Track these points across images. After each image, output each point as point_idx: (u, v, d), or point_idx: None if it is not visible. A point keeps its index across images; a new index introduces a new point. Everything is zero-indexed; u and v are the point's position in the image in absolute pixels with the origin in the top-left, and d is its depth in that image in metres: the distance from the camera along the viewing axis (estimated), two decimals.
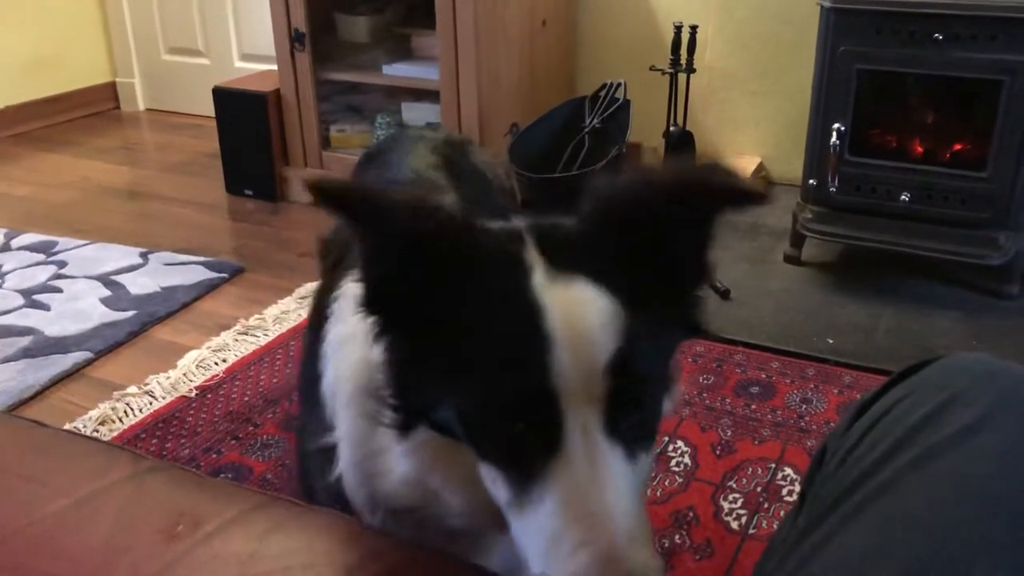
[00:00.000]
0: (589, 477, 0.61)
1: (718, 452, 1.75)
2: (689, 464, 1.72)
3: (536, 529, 0.62)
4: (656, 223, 0.67)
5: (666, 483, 1.66)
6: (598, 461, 0.62)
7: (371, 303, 0.68)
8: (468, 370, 0.64)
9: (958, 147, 2.36)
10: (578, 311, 0.63)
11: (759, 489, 1.65)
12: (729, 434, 1.81)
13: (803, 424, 1.83)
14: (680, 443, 1.78)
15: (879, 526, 0.58)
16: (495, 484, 0.66)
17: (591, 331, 0.63)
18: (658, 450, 1.75)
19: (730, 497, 1.63)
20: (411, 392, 0.69)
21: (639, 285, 0.66)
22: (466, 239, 0.66)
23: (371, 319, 0.68)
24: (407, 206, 0.66)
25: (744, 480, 1.67)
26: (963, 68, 2.17)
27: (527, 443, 0.63)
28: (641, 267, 0.66)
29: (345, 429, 0.82)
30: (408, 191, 0.78)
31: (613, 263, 0.66)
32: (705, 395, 1.94)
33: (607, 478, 0.61)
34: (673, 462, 1.72)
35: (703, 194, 0.68)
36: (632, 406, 0.64)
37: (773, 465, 1.71)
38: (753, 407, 1.89)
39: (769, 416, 1.86)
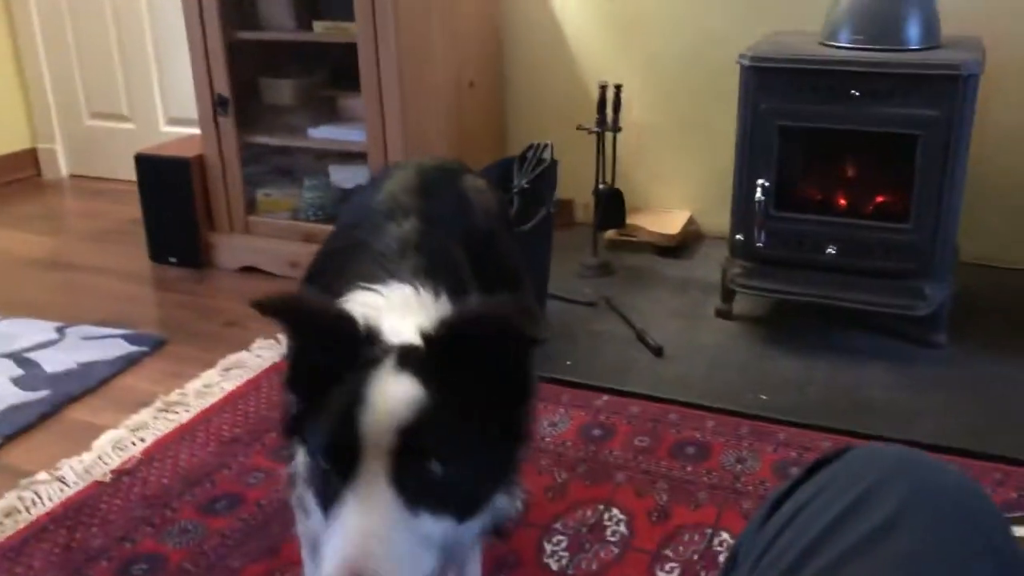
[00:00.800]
0: (358, 506, 0.83)
1: (654, 518, 1.71)
2: (625, 532, 1.68)
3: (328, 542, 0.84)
4: (471, 348, 0.89)
5: (601, 554, 1.62)
6: (372, 498, 0.83)
7: (290, 380, 0.97)
8: (317, 428, 0.90)
9: (880, 200, 2.40)
10: (390, 392, 0.87)
11: (696, 557, 1.61)
12: (665, 499, 1.77)
13: (739, 486, 1.80)
14: (615, 511, 1.74)
15: None
16: (318, 507, 0.91)
17: (393, 405, 0.86)
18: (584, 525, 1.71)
19: (667, 566, 1.58)
20: (303, 438, 0.97)
21: (456, 388, 0.88)
22: (356, 348, 0.92)
23: (287, 389, 0.97)
24: (325, 321, 0.95)
25: (681, 548, 1.63)
26: (880, 123, 2.21)
27: (335, 480, 0.86)
28: (461, 378, 0.89)
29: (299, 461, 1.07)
30: (330, 307, 0.98)
31: (437, 371, 0.89)
32: (641, 458, 1.90)
33: (374, 510, 0.83)
34: (608, 531, 1.68)
35: (495, 330, 0.90)
36: (415, 466, 0.84)
37: (710, 531, 1.68)
38: (689, 469, 1.86)
39: (705, 478, 1.83)
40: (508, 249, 1.55)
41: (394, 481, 0.84)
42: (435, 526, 0.86)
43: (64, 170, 4.14)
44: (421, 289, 1.12)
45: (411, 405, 0.86)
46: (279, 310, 0.94)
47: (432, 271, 1.17)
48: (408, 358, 0.91)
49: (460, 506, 0.88)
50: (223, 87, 2.84)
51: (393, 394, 0.87)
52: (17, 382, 2.25)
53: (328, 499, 0.86)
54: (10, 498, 1.79)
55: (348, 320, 0.94)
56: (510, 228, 1.64)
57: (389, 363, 0.90)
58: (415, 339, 0.94)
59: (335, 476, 0.85)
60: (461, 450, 0.88)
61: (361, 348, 0.92)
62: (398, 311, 1.06)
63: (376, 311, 1.04)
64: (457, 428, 0.87)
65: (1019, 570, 0.60)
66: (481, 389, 0.90)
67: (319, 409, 0.90)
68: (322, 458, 0.88)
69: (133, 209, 3.23)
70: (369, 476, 0.84)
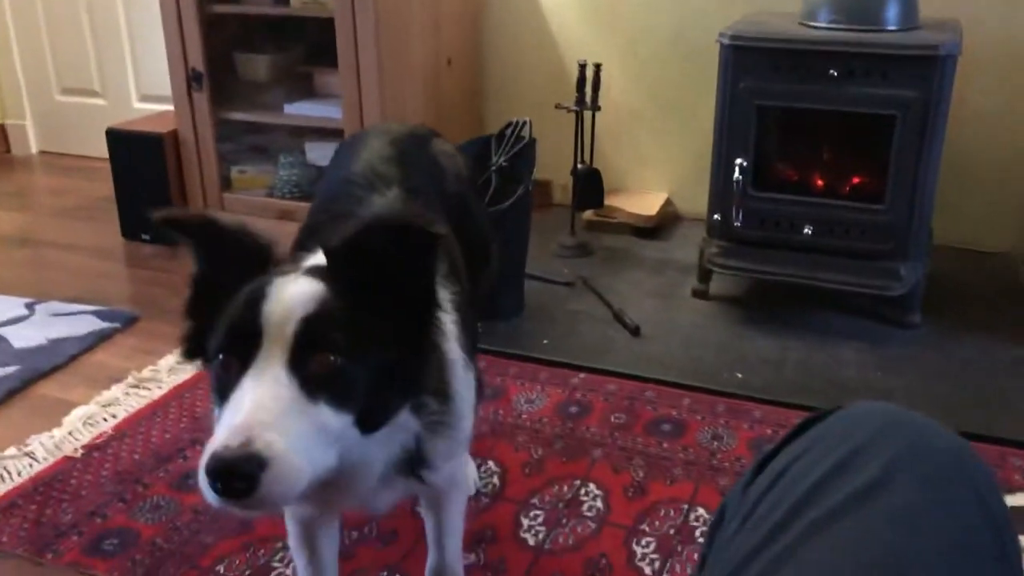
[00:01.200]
0: (254, 384, 0.83)
1: (630, 494, 1.71)
2: (601, 508, 1.68)
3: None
4: (373, 255, 0.91)
5: (578, 529, 1.62)
6: (266, 376, 0.84)
7: (191, 304, 0.97)
8: (218, 324, 0.90)
9: (856, 180, 2.40)
10: (293, 288, 0.89)
11: (672, 531, 1.61)
12: (641, 475, 1.77)
13: (714, 462, 1.81)
14: (592, 486, 1.73)
15: None
16: (216, 396, 0.89)
17: (295, 297, 0.88)
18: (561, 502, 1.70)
19: (643, 541, 1.59)
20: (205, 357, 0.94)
21: (359, 293, 0.90)
22: (261, 258, 0.95)
23: (187, 315, 0.97)
24: (238, 239, 0.96)
25: (657, 523, 1.63)
26: (858, 104, 2.22)
27: (234, 371, 0.86)
28: (365, 284, 0.90)
29: None
30: (244, 227, 0.97)
31: (341, 277, 0.91)
32: (617, 435, 1.90)
33: (266, 386, 0.83)
34: (585, 506, 1.68)
35: (393, 234, 0.91)
36: (314, 355, 0.85)
37: (686, 506, 1.68)
38: (665, 446, 1.87)
39: (681, 455, 1.84)
40: (478, 211, 1.58)
41: (292, 365, 0.84)
42: (333, 418, 0.85)
43: (34, 146, 4.07)
44: None
45: (313, 299, 0.88)
46: (189, 226, 0.95)
47: None
48: (314, 271, 0.93)
49: (360, 406, 0.88)
50: (198, 62, 2.80)
51: (296, 289, 0.89)
52: None
53: (225, 393, 0.85)
54: None
55: (263, 243, 0.96)
56: (477, 191, 1.67)
57: (295, 273, 0.93)
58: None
59: (234, 365, 0.85)
60: (362, 347, 0.88)
61: (271, 269, 0.94)
62: None
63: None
64: (359, 327, 0.88)
65: (1010, 528, 0.60)
66: (386, 298, 0.91)
67: (220, 317, 0.90)
68: (222, 346, 0.87)
69: (105, 186, 3.19)
70: (267, 359, 0.85)
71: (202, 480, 0.79)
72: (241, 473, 0.77)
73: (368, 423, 0.90)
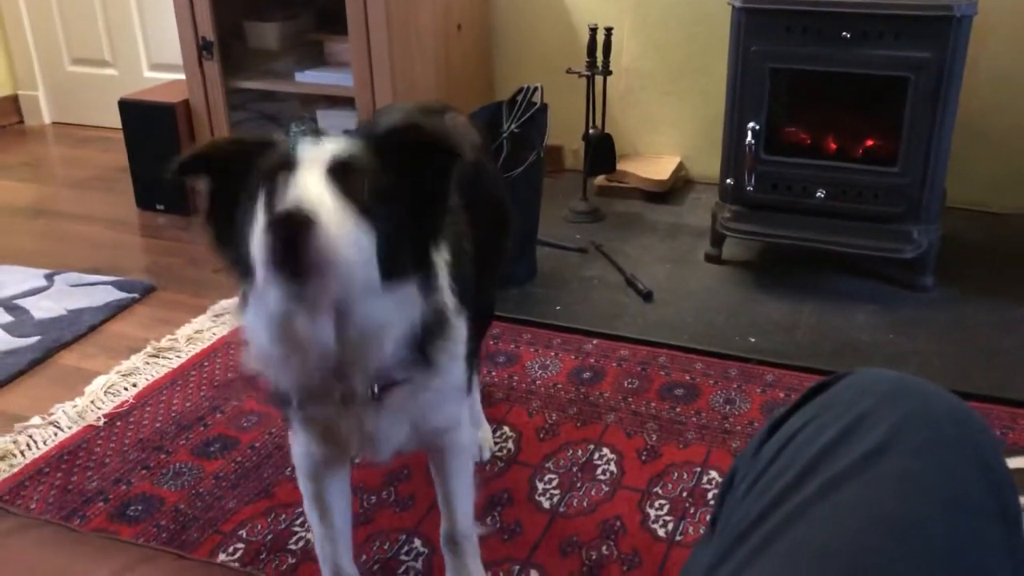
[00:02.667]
0: (300, 180, 0.91)
1: (644, 458, 1.74)
2: (615, 472, 1.70)
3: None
4: (404, 148, 1.00)
5: (592, 492, 1.64)
6: (309, 175, 0.91)
7: (210, 213, 1.02)
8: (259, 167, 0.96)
9: (870, 143, 2.40)
10: (325, 146, 0.96)
11: (685, 494, 1.64)
12: (654, 439, 1.79)
13: (727, 426, 1.83)
14: (606, 450, 1.76)
15: (786, 561, 0.56)
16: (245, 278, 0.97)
17: (328, 147, 0.95)
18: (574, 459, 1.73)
19: (656, 504, 1.61)
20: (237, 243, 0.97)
21: (385, 166, 0.98)
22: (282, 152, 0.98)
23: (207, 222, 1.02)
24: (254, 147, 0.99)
25: (670, 486, 1.66)
26: (871, 65, 2.21)
27: (279, 189, 0.91)
28: (389, 169, 0.98)
29: None
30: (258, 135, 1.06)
31: (368, 157, 0.98)
32: (630, 399, 1.92)
33: (311, 180, 0.90)
34: (599, 470, 1.70)
35: (422, 140, 1.01)
36: (347, 181, 0.92)
37: (698, 469, 1.70)
38: (678, 410, 1.89)
39: (694, 419, 1.86)
40: (495, 182, 1.59)
41: (330, 176, 0.92)
42: (363, 240, 0.92)
43: (47, 117, 4.08)
44: None
45: (345, 149, 0.96)
46: (203, 160, 1.03)
47: None
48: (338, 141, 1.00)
49: (382, 249, 0.94)
50: (207, 30, 2.79)
51: (328, 146, 0.96)
52: (7, 328, 2.24)
53: (270, 204, 0.91)
54: (4, 442, 1.80)
55: (269, 140, 1.01)
56: (493, 160, 1.67)
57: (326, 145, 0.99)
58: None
59: (280, 187, 0.91)
60: (383, 198, 0.95)
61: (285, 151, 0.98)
62: None
63: None
64: (382, 182, 0.95)
65: (1011, 489, 0.61)
66: (405, 185, 0.98)
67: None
68: (265, 175, 0.93)
69: (118, 156, 3.20)
70: (307, 168, 0.92)
71: (259, 251, 0.87)
72: (298, 220, 0.85)
73: (387, 267, 0.95)
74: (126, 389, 1.99)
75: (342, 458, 1.28)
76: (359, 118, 2.71)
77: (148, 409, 1.93)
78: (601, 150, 2.83)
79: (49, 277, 2.53)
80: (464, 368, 1.23)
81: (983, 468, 0.61)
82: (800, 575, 0.55)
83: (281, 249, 0.85)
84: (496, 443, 1.79)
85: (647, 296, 2.34)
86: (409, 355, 1.05)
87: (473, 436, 1.72)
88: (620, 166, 2.95)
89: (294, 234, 0.85)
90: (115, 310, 2.35)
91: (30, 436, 1.83)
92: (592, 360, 2.08)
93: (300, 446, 1.25)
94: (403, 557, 1.51)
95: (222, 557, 1.53)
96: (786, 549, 0.57)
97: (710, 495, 1.63)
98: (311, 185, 0.90)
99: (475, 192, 1.39)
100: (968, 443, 0.62)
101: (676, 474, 1.69)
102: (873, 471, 0.59)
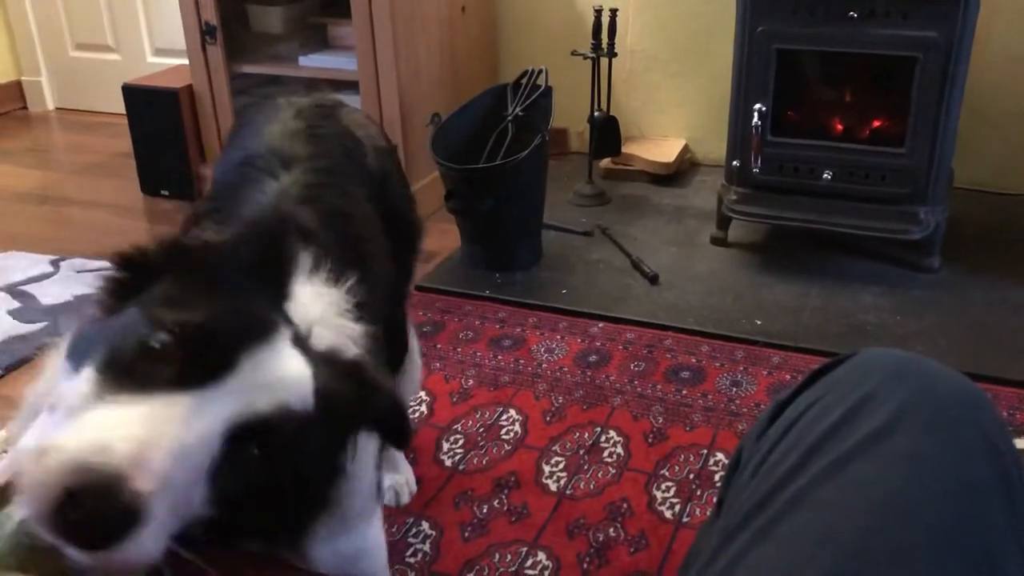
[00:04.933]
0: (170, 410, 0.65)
1: (650, 440, 1.74)
2: (622, 454, 1.70)
3: None
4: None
5: (599, 475, 1.65)
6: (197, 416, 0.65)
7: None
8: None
9: (877, 124, 2.38)
10: (295, 366, 0.72)
11: (691, 476, 1.64)
12: (661, 421, 1.80)
13: (734, 408, 1.83)
14: (612, 433, 1.76)
15: (790, 542, 0.56)
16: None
17: (296, 377, 0.70)
18: (590, 443, 1.73)
19: (663, 486, 1.62)
20: None
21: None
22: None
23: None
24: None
25: (676, 468, 1.66)
26: (878, 45, 2.19)
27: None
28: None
29: None
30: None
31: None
32: (636, 382, 1.92)
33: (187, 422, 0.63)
34: (605, 453, 1.71)
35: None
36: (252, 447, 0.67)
37: (705, 451, 1.71)
38: (684, 392, 1.89)
39: (700, 401, 1.86)
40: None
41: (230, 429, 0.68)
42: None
43: (50, 103, 4.08)
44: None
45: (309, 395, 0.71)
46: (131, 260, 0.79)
47: (338, 246, 1.01)
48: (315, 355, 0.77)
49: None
50: (210, 15, 2.78)
51: (297, 368, 0.73)
52: (14, 314, 2.25)
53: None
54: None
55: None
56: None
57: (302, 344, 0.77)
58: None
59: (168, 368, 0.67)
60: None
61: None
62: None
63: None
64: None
65: (1017, 469, 0.61)
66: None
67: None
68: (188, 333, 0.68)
69: (122, 142, 3.20)
70: (216, 399, 0.67)
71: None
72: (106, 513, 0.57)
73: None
74: None
75: None
76: (362, 102, 2.70)
77: None
78: (606, 133, 2.82)
79: (55, 263, 2.53)
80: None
81: (989, 448, 0.61)
82: (804, 557, 0.55)
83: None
84: (502, 426, 1.79)
85: (653, 279, 2.34)
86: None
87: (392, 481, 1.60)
88: (625, 149, 2.94)
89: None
90: None
91: None
92: (598, 343, 2.08)
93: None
94: None
95: None
96: (790, 531, 0.57)
97: (717, 477, 1.64)
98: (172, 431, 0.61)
99: (380, 201, 1.26)
100: (974, 423, 0.62)
101: (683, 456, 1.69)
102: (878, 451, 0.59)
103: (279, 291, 0.77)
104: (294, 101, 1.31)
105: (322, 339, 0.77)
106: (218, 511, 0.64)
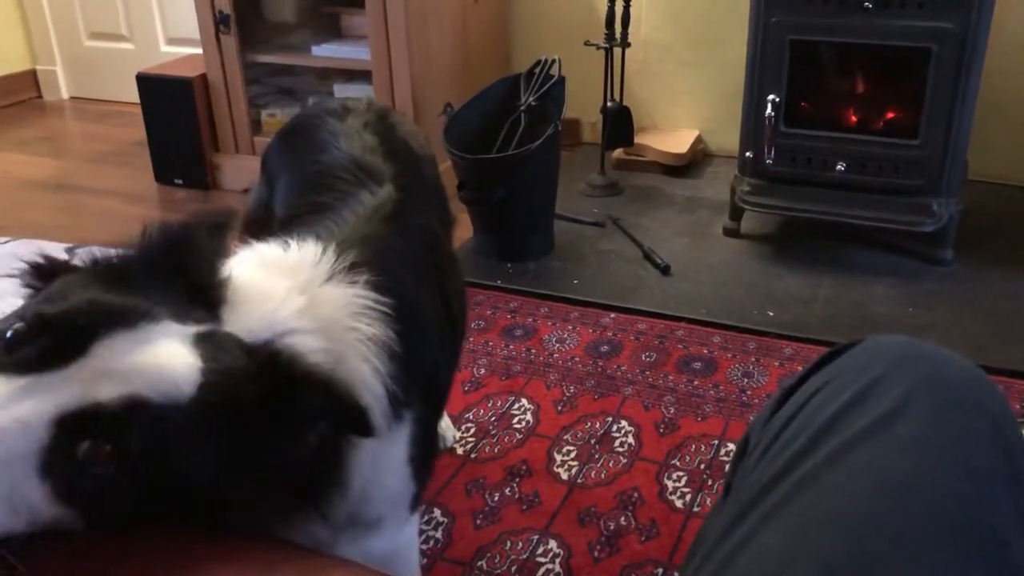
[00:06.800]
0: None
1: (661, 430, 1.75)
2: (633, 444, 1.71)
3: None
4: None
5: (610, 464, 1.65)
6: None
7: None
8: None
9: (891, 115, 2.37)
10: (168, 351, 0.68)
11: (703, 466, 1.64)
12: (672, 411, 1.80)
13: (745, 399, 1.83)
14: (624, 423, 1.77)
15: (796, 526, 0.57)
16: None
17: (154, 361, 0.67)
18: (601, 432, 1.74)
19: (674, 476, 1.62)
20: None
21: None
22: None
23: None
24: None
25: (688, 458, 1.67)
26: (893, 36, 2.18)
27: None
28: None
29: None
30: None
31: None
32: (648, 373, 1.93)
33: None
34: (617, 442, 1.71)
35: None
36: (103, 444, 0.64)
37: (716, 441, 1.71)
38: (695, 383, 1.89)
39: (712, 392, 1.86)
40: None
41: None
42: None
43: (65, 92, 4.10)
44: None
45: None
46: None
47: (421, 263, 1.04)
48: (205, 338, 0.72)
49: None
50: (224, 4, 2.79)
51: (167, 354, 0.69)
52: None
53: None
54: None
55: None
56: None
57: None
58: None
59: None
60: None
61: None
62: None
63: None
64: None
65: (1021, 451, 0.61)
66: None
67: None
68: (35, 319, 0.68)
69: (136, 131, 3.21)
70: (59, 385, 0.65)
71: None
72: None
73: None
74: None
75: None
76: (375, 92, 2.71)
77: None
78: (619, 123, 2.82)
79: (69, 251, 2.53)
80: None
81: (996, 433, 0.61)
82: (810, 540, 0.55)
83: None
84: (514, 415, 1.80)
85: (665, 270, 2.34)
86: None
87: (446, 426, 1.69)
88: (638, 139, 2.94)
89: None
90: None
91: None
92: (610, 333, 2.08)
93: None
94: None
95: None
96: (796, 515, 0.57)
97: (728, 467, 1.64)
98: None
99: (439, 214, 1.27)
100: (982, 407, 0.62)
101: (694, 446, 1.70)
102: (885, 435, 0.59)
103: (199, 287, 0.74)
104: (353, 110, 1.30)
105: (303, 342, 0.75)
106: (80, 508, 0.62)
